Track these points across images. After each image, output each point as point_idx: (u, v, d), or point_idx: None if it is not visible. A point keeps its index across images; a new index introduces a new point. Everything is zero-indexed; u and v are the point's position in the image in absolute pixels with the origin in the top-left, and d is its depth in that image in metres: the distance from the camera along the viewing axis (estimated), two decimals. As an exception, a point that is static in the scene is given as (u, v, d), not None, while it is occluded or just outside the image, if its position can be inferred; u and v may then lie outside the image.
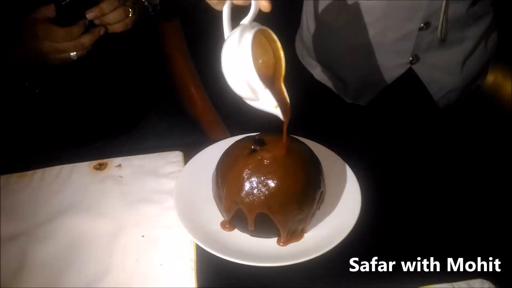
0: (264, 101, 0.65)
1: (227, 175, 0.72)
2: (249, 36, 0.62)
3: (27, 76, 0.97)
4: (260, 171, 0.69)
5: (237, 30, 0.63)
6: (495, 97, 1.45)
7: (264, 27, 0.66)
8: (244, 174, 0.70)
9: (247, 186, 0.69)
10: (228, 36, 0.64)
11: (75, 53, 0.86)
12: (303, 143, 0.77)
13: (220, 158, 0.76)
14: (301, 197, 0.70)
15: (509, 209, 0.79)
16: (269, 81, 0.66)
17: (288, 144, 0.73)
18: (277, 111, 0.66)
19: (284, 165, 0.70)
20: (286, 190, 0.69)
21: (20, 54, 0.87)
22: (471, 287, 0.65)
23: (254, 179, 0.69)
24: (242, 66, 0.62)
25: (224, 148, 0.78)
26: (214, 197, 0.76)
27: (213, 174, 0.76)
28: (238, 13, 0.66)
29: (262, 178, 0.69)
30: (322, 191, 0.74)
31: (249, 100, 0.67)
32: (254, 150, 0.73)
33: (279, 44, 0.68)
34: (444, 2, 0.92)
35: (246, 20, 0.65)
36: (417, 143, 0.95)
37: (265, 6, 0.62)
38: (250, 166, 0.70)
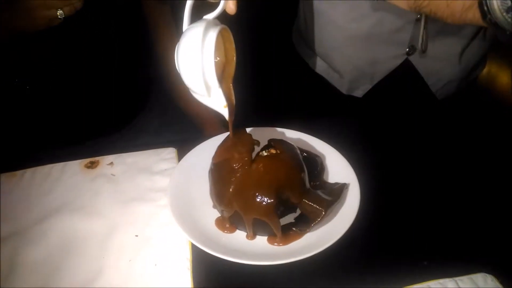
0: (215, 99, 0.67)
1: (227, 180, 0.71)
2: (214, 33, 0.62)
3: (17, 72, 0.96)
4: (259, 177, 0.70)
5: (201, 24, 0.63)
6: (490, 88, 1.45)
7: (226, 26, 0.66)
8: (244, 181, 0.70)
9: (247, 194, 0.68)
10: (190, 28, 0.63)
11: (62, 11, 0.84)
12: (294, 147, 0.77)
13: (216, 158, 0.74)
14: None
15: (509, 201, 0.78)
16: (220, 82, 0.66)
17: (284, 148, 0.74)
18: (224, 111, 0.68)
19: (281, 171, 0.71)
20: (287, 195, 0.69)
21: (7, 15, 0.85)
22: (474, 281, 0.64)
23: (253, 186, 0.69)
24: (203, 61, 0.62)
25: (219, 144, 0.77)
26: (211, 194, 0.74)
27: (209, 171, 0.74)
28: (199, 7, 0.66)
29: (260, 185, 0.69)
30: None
31: (199, 95, 0.67)
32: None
33: (233, 45, 0.69)
34: (422, 21, 0.92)
35: (211, 16, 0.65)
36: (415, 136, 0.94)
37: (231, 8, 0.64)
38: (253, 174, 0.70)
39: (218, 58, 0.67)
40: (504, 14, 0.51)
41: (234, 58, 0.69)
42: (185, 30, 0.64)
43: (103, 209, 0.78)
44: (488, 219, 0.76)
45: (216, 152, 0.75)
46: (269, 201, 0.67)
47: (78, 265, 0.69)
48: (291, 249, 0.68)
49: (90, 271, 0.68)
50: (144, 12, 1.12)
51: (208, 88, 0.65)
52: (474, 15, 0.55)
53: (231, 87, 0.70)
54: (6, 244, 0.72)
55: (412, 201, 0.80)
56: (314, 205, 0.70)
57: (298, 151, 0.77)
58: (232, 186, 0.70)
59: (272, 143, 0.76)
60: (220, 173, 0.72)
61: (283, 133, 0.89)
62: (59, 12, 0.84)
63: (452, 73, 1.07)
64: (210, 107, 0.69)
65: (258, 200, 0.67)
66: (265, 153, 0.73)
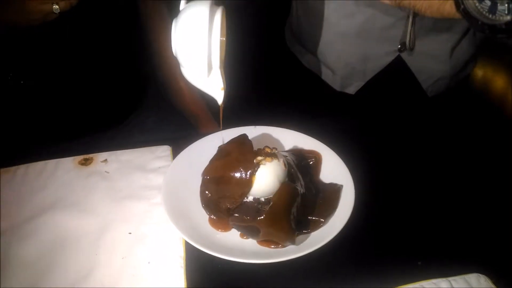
0: (213, 80, 0.66)
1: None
2: (220, 10, 0.62)
3: (11, 67, 0.95)
4: None
5: (205, 2, 0.61)
6: (485, 91, 1.45)
7: (223, 8, 0.65)
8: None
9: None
10: (192, 6, 0.62)
11: (57, 6, 0.83)
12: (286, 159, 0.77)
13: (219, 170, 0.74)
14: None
15: (502, 200, 0.78)
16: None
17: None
18: (220, 94, 0.67)
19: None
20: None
21: (1, 9, 0.84)
22: (467, 281, 0.64)
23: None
24: (211, 38, 0.61)
25: (214, 142, 0.78)
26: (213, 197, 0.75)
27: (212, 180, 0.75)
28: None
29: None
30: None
31: (196, 76, 0.66)
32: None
33: (225, 30, 0.67)
34: (410, 19, 0.93)
35: None
36: (407, 134, 0.94)
37: None
38: None
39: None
40: (477, 4, 0.53)
41: (224, 42, 0.68)
42: (185, 8, 0.63)
43: (97, 206, 0.78)
44: (482, 220, 0.76)
45: (216, 164, 0.75)
46: (291, 235, 0.68)
47: (71, 262, 0.69)
48: (285, 248, 0.68)
49: (83, 268, 0.68)
50: (140, 9, 1.12)
51: (209, 67, 0.63)
52: (451, 7, 0.57)
53: (223, 72, 0.69)
54: (-1, 240, 0.72)
55: (406, 200, 0.80)
56: (314, 218, 0.72)
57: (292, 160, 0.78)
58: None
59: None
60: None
61: (277, 132, 0.89)
62: (55, 7, 0.83)
63: (443, 70, 1.08)
64: (204, 89, 0.68)
65: (282, 227, 0.68)
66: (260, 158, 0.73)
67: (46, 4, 0.83)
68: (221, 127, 0.79)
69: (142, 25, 1.14)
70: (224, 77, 0.69)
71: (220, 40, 0.63)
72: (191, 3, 0.63)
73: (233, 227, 0.72)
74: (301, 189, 0.74)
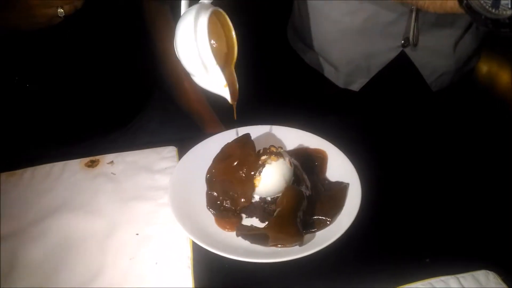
0: (214, 78, 0.67)
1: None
2: (207, 11, 0.64)
3: (17, 71, 0.96)
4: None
5: (196, 5, 0.64)
6: (489, 86, 1.45)
7: (221, 10, 0.67)
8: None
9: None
10: (185, 12, 0.65)
11: (62, 10, 0.84)
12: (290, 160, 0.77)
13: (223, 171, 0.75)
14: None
15: (510, 197, 0.78)
16: (221, 65, 0.67)
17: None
18: (225, 91, 0.68)
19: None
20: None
21: (7, 13, 0.84)
22: (476, 278, 0.64)
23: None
24: (197, 38, 0.63)
25: (219, 143, 0.78)
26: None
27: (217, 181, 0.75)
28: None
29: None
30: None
31: (199, 75, 0.67)
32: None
33: (233, 33, 0.69)
34: (413, 15, 0.93)
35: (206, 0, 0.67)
36: (411, 129, 0.94)
37: None
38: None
39: (216, 44, 0.68)
40: None
41: (235, 43, 0.70)
42: (182, 15, 0.65)
43: (104, 208, 0.78)
44: (490, 216, 0.75)
45: (219, 164, 0.75)
46: (299, 238, 0.68)
47: (79, 264, 0.69)
48: (292, 247, 0.68)
49: (91, 270, 0.68)
50: (144, 11, 1.12)
51: (205, 66, 0.65)
52: (454, 3, 0.57)
53: (234, 71, 0.71)
54: (6, 243, 0.72)
55: (413, 197, 0.79)
56: (321, 217, 0.72)
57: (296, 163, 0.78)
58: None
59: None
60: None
61: (282, 131, 0.89)
62: (60, 10, 0.84)
63: (446, 65, 1.08)
64: (211, 90, 0.69)
65: (290, 231, 0.68)
66: (265, 157, 0.73)
67: (51, 8, 0.83)
68: (236, 121, 0.79)
69: (146, 27, 1.14)
70: (235, 78, 0.71)
71: (213, 43, 0.65)
72: (186, 11, 0.66)
73: (240, 237, 0.72)
74: (306, 191, 0.74)
